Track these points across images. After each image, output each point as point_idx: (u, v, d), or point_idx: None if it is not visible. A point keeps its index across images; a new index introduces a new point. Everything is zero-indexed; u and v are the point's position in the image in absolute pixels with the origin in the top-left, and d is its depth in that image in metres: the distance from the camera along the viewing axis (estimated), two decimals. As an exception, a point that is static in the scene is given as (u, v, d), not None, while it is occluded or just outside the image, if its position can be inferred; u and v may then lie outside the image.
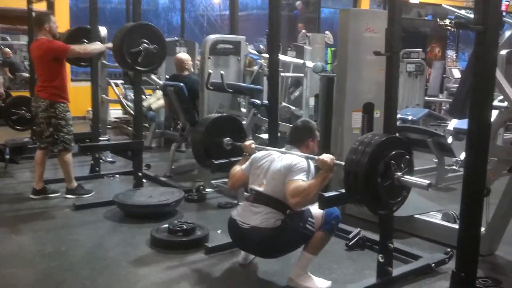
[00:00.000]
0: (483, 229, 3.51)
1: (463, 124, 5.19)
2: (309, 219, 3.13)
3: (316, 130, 3.50)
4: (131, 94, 7.37)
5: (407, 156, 2.80)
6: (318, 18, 14.46)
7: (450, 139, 6.00)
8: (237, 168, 3.55)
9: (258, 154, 3.47)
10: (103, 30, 7.46)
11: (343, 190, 3.02)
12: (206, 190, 5.23)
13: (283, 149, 3.38)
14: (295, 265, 3.21)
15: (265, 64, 6.45)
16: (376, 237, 3.45)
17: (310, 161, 3.16)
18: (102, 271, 3.49)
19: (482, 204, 2.78)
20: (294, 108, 6.97)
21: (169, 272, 3.49)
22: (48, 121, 4.90)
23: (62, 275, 3.41)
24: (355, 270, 3.55)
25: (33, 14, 6.24)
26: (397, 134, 3.34)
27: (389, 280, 3.23)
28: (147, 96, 7.65)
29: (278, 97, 4.40)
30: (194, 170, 6.25)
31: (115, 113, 9.75)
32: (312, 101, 7.27)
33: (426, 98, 9.74)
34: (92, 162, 5.96)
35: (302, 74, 7.54)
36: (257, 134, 6.44)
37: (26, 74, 8.32)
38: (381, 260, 3.19)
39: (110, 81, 8.70)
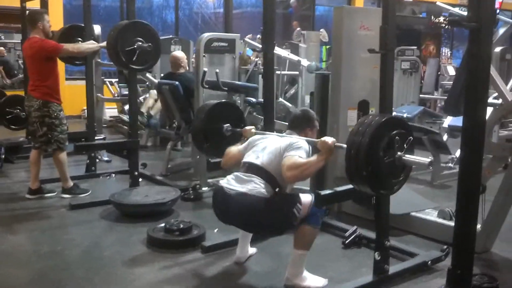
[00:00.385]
0: (478, 226, 3.52)
1: (458, 121, 5.21)
2: (298, 204, 3.08)
3: (315, 120, 3.50)
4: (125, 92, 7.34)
5: (409, 136, 2.81)
6: (313, 15, 14.46)
7: (445, 137, 6.02)
8: (233, 147, 3.54)
9: (257, 136, 3.49)
10: (97, 28, 7.44)
11: (339, 188, 3.03)
12: (203, 188, 5.22)
13: (283, 134, 3.40)
14: (290, 264, 3.19)
15: (260, 61, 6.45)
16: (372, 235, 3.46)
17: (309, 144, 3.17)
18: (98, 271, 3.48)
19: (477, 201, 2.79)
20: (290, 105, 6.98)
21: (165, 271, 3.48)
22: (42, 121, 4.88)
23: (58, 275, 3.41)
24: (351, 268, 3.55)
25: (27, 12, 6.21)
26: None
27: (385, 278, 3.24)
28: (141, 99, 7.59)
29: (273, 95, 4.39)
30: (190, 169, 6.24)
31: (110, 111, 9.71)
32: (307, 99, 7.28)
33: (421, 95, 9.76)
34: (88, 161, 5.94)
35: (297, 72, 7.54)
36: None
37: (21, 76, 8.28)
38: (378, 258, 3.20)
39: (105, 79, 8.69)
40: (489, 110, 3.93)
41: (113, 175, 5.95)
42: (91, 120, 6.03)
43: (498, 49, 6.76)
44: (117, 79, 9.00)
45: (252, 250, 3.66)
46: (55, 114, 4.91)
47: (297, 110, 3.62)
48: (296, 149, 3.09)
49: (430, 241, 4.00)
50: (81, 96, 6.56)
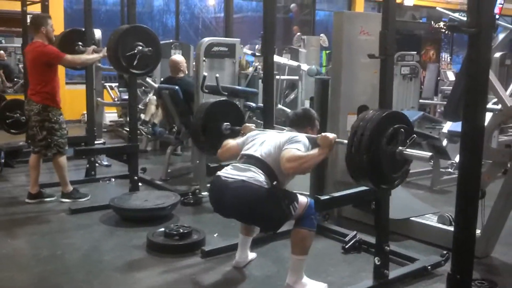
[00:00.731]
0: (478, 231, 3.52)
1: (457, 126, 5.21)
2: (295, 202, 3.08)
3: (316, 119, 3.50)
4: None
5: (410, 131, 2.83)
6: (313, 20, 14.49)
7: (445, 142, 6.02)
8: (230, 140, 3.53)
9: (256, 131, 3.50)
10: (97, 33, 7.45)
11: (337, 194, 3.04)
12: (202, 193, 5.22)
13: (283, 131, 3.39)
14: (289, 271, 3.17)
15: (260, 66, 6.46)
16: (372, 239, 3.46)
17: (309, 140, 3.17)
18: (98, 275, 3.48)
19: (477, 207, 2.79)
20: (289, 110, 6.98)
21: (165, 276, 3.48)
22: (41, 125, 4.89)
23: (57, 279, 3.41)
24: (351, 273, 3.55)
25: (29, 16, 6.22)
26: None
27: (385, 283, 3.24)
28: (141, 106, 7.57)
29: (273, 100, 4.40)
30: (190, 173, 6.24)
31: (110, 116, 9.72)
32: (307, 104, 7.29)
33: (420, 100, 9.77)
34: (88, 165, 5.94)
35: (297, 77, 7.56)
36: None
37: (22, 81, 8.31)
38: (378, 263, 3.20)
39: (105, 84, 8.70)
40: (489, 115, 3.94)
41: (113, 179, 5.95)
42: (91, 125, 6.04)
43: (497, 55, 6.78)
44: (117, 84, 9.00)
45: (252, 255, 3.66)
46: (55, 118, 4.91)
47: (298, 109, 3.62)
48: (296, 142, 3.09)
49: (430, 246, 4.00)
50: (81, 101, 6.56)
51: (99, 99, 7.68)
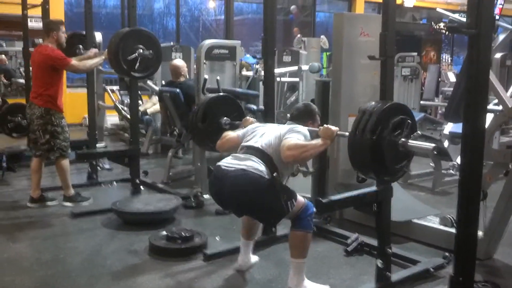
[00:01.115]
0: (480, 233, 3.52)
1: (458, 128, 5.21)
2: (293, 199, 3.07)
3: (317, 114, 3.51)
4: (127, 100, 7.35)
5: (413, 126, 2.84)
6: (313, 22, 14.50)
7: (446, 143, 6.02)
8: (230, 132, 3.53)
9: (256, 124, 3.50)
10: (98, 36, 7.46)
11: (339, 196, 3.03)
12: (204, 196, 5.22)
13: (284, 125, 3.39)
14: (290, 274, 3.16)
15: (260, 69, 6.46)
16: (374, 242, 3.45)
17: (310, 133, 3.17)
18: (100, 279, 3.48)
19: (478, 208, 2.79)
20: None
21: (167, 279, 3.48)
22: (44, 128, 4.89)
23: (60, 283, 3.41)
24: (353, 276, 3.55)
25: (31, 20, 6.21)
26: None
27: (387, 285, 3.23)
28: (143, 102, 7.65)
29: (274, 102, 4.40)
30: (191, 176, 6.24)
31: (111, 119, 9.73)
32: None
33: (421, 102, 9.76)
34: (89, 169, 5.94)
35: (297, 79, 7.55)
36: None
37: (22, 81, 8.31)
38: (380, 265, 3.19)
39: (106, 87, 8.70)
40: (490, 116, 3.94)
41: (115, 183, 5.94)
42: (92, 128, 6.04)
43: (498, 55, 6.77)
44: (118, 87, 9.00)
45: (254, 258, 3.64)
46: (57, 121, 4.91)
47: (300, 103, 3.62)
48: (297, 132, 3.10)
49: (432, 248, 3.99)
50: (82, 104, 6.57)
51: (100, 102, 7.69)
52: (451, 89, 8.49)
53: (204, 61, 5.73)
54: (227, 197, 3.15)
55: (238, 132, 3.45)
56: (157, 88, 6.75)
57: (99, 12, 13.37)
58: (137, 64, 4.66)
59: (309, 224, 3.14)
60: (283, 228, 4.00)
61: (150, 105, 7.68)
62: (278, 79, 7.07)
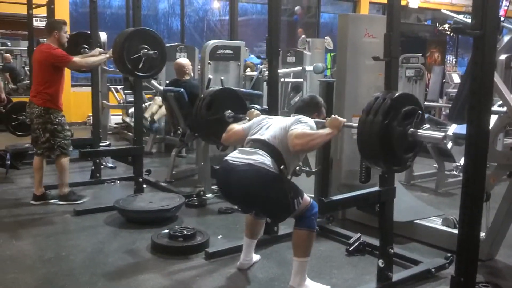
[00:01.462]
0: (483, 234, 3.51)
1: (462, 129, 5.20)
2: (299, 197, 3.08)
3: (323, 106, 3.51)
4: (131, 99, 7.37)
5: (422, 118, 2.85)
6: (318, 23, 14.50)
7: (449, 144, 6.00)
8: (235, 125, 3.52)
9: (262, 116, 3.49)
10: (103, 35, 7.49)
11: (341, 196, 3.03)
12: (207, 195, 5.24)
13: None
14: (293, 273, 3.15)
15: (264, 69, 6.47)
16: (376, 242, 3.45)
17: (316, 125, 3.18)
18: (102, 277, 3.49)
19: (481, 209, 2.79)
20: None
21: (169, 277, 3.49)
22: (44, 127, 4.90)
23: (62, 280, 3.41)
24: (355, 275, 3.55)
25: (41, 19, 6.22)
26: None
27: (389, 285, 3.23)
28: (147, 105, 7.63)
29: (278, 102, 4.41)
30: (194, 175, 6.25)
31: (115, 118, 9.75)
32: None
33: (425, 103, 9.74)
34: (93, 167, 5.96)
35: (302, 79, 7.56)
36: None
37: (27, 82, 8.36)
38: (381, 265, 3.19)
39: (110, 86, 8.72)
40: (494, 118, 3.93)
41: (118, 181, 5.96)
42: (96, 127, 6.05)
43: (503, 57, 6.74)
44: (122, 86, 9.03)
45: (256, 257, 3.66)
46: (57, 120, 4.92)
47: (305, 96, 3.63)
48: (303, 123, 3.10)
49: (434, 248, 3.99)
50: (86, 103, 6.59)
51: (104, 101, 7.71)
52: (455, 90, 8.48)
53: (209, 61, 5.74)
54: (234, 192, 3.16)
55: (244, 125, 3.44)
56: (161, 87, 6.76)
57: (104, 12, 13.39)
58: (142, 63, 4.66)
59: (312, 223, 3.14)
60: (285, 227, 4.01)
61: (156, 109, 7.66)
62: (282, 79, 7.08)
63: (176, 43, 8.90)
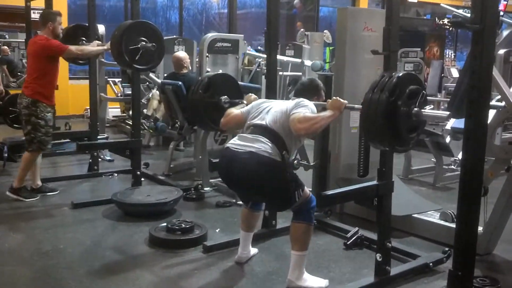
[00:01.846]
0: (480, 228, 3.52)
1: (461, 123, 5.20)
2: (300, 190, 3.08)
3: (322, 89, 3.48)
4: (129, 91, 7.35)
5: (425, 94, 2.85)
6: (317, 16, 14.46)
7: (448, 139, 6.01)
8: (234, 110, 3.48)
9: (261, 100, 3.46)
10: (101, 28, 7.45)
11: (339, 190, 3.03)
12: (205, 188, 5.23)
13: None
14: (291, 266, 3.16)
15: (263, 62, 6.45)
16: (374, 236, 3.45)
17: (316, 107, 3.16)
18: (100, 270, 3.49)
19: (479, 203, 2.79)
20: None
21: (167, 270, 3.49)
22: (28, 119, 4.83)
23: (60, 273, 3.41)
24: (353, 269, 3.55)
25: (38, 11, 6.18)
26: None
27: (387, 279, 3.24)
28: (145, 101, 7.58)
29: (276, 95, 4.40)
30: (192, 168, 6.25)
31: (113, 111, 9.73)
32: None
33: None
34: (91, 160, 5.95)
35: (300, 73, 7.54)
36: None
37: (25, 76, 8.35)
38: (379, 259, 3.20)
39: (108, 79, 8.70)
40: (492, 112, 3.93)
41: (116, 174, 5.96)
42: (94, 120, 6.04)
43: (502, 51, 6.74)
44: (120, 79, 9.00)
45: (253, 250, 3.66)
46: (42, 114, 4.82)
47: (304, 79, 3.62)
48: (303, 106, 3.07)
49: (432, 243, 4.00)
50: (84, 96, 6.57)
51: (102, 94, 7.69)
52: (454, 85, 8.47)
53: (207, 54, 5.72)
54: (236, 180, 3.16)
55: (242, 109, 3.41)
56: (159, 80, 6.74)
57: (103, 4, 13.34)
58: (139, 56, 4.64)
59: (310, 216, 3.15)
60: (283, 221, 4.01)
61: (156, 104, 7.60)
62: (280, 73, 7.06)
63: (175, 36, 8.88)
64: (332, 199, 3.22)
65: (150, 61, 4.81)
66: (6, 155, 6.20)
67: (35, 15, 7.28)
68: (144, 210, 4.52)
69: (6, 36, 12.58)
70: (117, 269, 3.52)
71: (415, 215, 4.27)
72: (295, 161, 3.31)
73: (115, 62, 5.17)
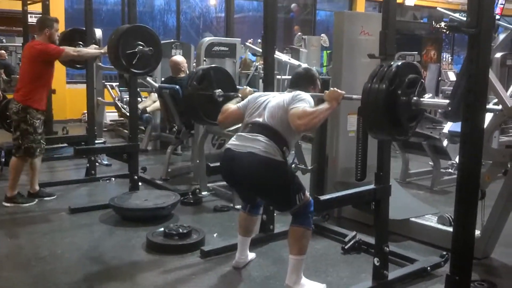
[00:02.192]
0: (478, 232, 3.52)
1: (458, 127, 5.21)
2: (301, 193, 3.08)
3: (318, 78, 3.47)
4: (126, 97, 7.36)
5: (423, 82, 2.85)
6: (314, 20, 14.49)
7: (445, 142, 6.02)
8: (230, 105, 3.46)
9: (257, 93, 3.43)
10: (98, 32, 7.45)
11: (337, 194, 3.02)
12: (202, 193, 5.23)
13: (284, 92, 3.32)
14: (288, 271, 3.14)
15: (260, 66, 6.46)
16: (372, 240, 3.45)
17: (313, 98, 3.15)
18: (97, 275, 3.49)
19: (476, 207, 2.79)
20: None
21: (164, 275, 3.48)
22: (17, 125, 4.81)
23: (57, 278, 3.40)
24: (351, 274, 3.54)
25: (35, 16, 6.19)
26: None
27: (385, 284, 3.23)
28: (143, 99, 7.65)
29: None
30: (190, 173, 6.24)
31: (111, 115, 9.72)
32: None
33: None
34: (88, 165, 5.94)
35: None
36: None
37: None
38: (377, 264, 3.19)
39: (105, 83, 8.69)
40: (489, 116, 3.94)
41: (113, 179, 5.94)
42: (92, 124, 6.04)
43: (498, 55, 6.76)
44: (117, 83, 9.00)
45: (251, 255, 3.65)
46: (31, 121, 4.78)
47: (299, 68, 3.60)
48: (301, 100, 3.05)
49: (430, 247, 4.00)
50: (81, 100, 6.57)
51: (99, 98, 7.69)
52: (451, 88, 8.49)
53: (204, 58, 5.72)
54: (238, 179, 3.17)
55: (238, 104, 3.40)
56: (156, 84, 6.74)
57: (100, 8, 13.35)
58: (137, 60, 4.64)
59: (309, 221, 3.15)
60: (281, 225, 4.01)
61: (150, 103, 7.69)
62: (278, 76, 7.07)
63: (172, 40, 8.88)
64: (329, 204, 3.20)
65: (147, 65, 4.79)
66: (3, 160, 6.18)
67: (32, 19, 7.29)
68: (141, 215, 4.51)
69: (4, 40, 12.56)
70: (114, 274, 3.52)
71: (413, 219, 4.27)
72: (293, 165, 3.32)
73: (112, 66, 5.16)
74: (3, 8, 10.02)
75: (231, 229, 4.28)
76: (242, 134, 3.16)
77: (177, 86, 5.95)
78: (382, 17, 3.10)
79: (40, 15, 6.01)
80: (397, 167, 5.95)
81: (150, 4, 14.88)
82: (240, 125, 3.41)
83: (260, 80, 6.41)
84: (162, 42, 5.35)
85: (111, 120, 9.75)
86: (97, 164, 6.15)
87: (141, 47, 4.64)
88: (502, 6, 10.18)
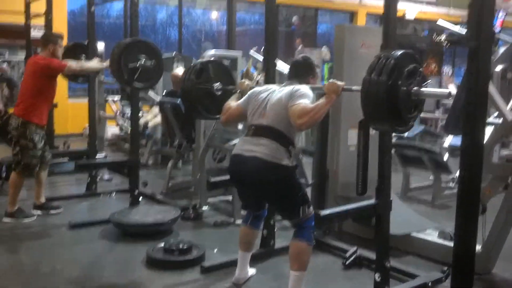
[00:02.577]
0: (479, 247, 3.49)
1: (458, 140, 5.20)
2: (306, 206, 3.08)
3: (316, 66, 3.46)
4: (127, 112, 7.38)
5: (422, 72, 2.83)
6: (315, 33, 14.53)
7: (446, 156, 6.00)
8: (231, 104, 3.46)
9: (257, 88, 3.41)
10: (100, 45, 7.48)
11: (337, 209, 3.01)
12: (203, 208, 5.20)
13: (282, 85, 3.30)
14: (289, 287, 3.12)
15: (262, 79, 6.45)
16: (373, 255, 3.43)
17: (311, 90, 3.13)
18: (97, 291, 3.47)
19: (476, 222, 2.77)
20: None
21: (164, 291, 3.46)
22: (17, 140, 4.79)
23: (56, 295, 3.39)
24: (351, 289, 3.52)
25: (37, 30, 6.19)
26: (393, 151, 3.32)
27: (385, 299, 3.21)
28: (144, 114, 7.65)
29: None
30: (190, 187, 6.22)
31: (112, 130, 9.72)
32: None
33: (421, 114, 9.72)
34: (89, 180, 5.91)
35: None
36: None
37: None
38: (378, 279, 3.18)
39: (107, 97, 8.71)
40: (490, 129, 3.93)
41: (114, 193, 5.92)
42: (93, 138, 6.03)
43: (499, 68, 6.76)
44: (119, 96, 9.01)
45: (251, 271, 3.63)
46: (31, 136, 4.75)
47: (297, 57, 3.57)
48: (300, 96, 3.03)
49: (431, 262, 3.97)
50: (83, 114, 6.57)
51: (101, 112, 7.70)
52: (452, 101, 8.48)
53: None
54: (246, 183, 3.20)
55: (238, 102, 3.40)
56: (158, 98, 6.75)
57: (102, 22, 13.43)
58: (138, 74, 4.64)
59: (311, 236, 3.14)
60: (282, 240, 3.99)
61: (151, 117, 7.68)
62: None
63: (174, 53, 8.90)
64: (330, 218, 3.20)
65: (149, 78, 4.79)
66: (4, 174, 6.17)
67: (35, 33, 7.33)
68: (141, 231, 4.49)
69: (6, 54, 12.61)
70: (114, 290, 3.50)
71: (414, 234, 4.25)
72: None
73: (114, 80, 5.17)
74: (6, 22, 10.06)
75: (231, 244, 4.25)
76: (247, 138, 3.19)
77: (179, 100, 5.95)
78: (383, 31, 3.11)
79: (45, 30, 6.03)
80: (397, 181, 5.92)
81: (153, 17, 14.95)
82: (242, 123, 3.40)
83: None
84: (164, 56, 5.36)
85: (112, 134, 9.73)
86: (97, 179, 6.12)
87: (143, 61, 4.64)
88: (502, 19, 10.19)
